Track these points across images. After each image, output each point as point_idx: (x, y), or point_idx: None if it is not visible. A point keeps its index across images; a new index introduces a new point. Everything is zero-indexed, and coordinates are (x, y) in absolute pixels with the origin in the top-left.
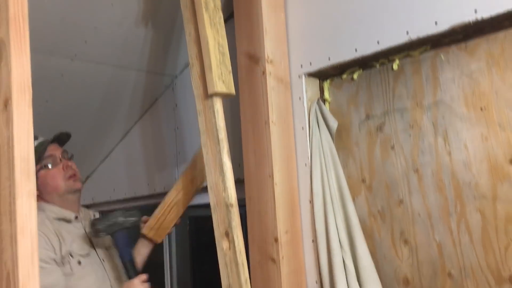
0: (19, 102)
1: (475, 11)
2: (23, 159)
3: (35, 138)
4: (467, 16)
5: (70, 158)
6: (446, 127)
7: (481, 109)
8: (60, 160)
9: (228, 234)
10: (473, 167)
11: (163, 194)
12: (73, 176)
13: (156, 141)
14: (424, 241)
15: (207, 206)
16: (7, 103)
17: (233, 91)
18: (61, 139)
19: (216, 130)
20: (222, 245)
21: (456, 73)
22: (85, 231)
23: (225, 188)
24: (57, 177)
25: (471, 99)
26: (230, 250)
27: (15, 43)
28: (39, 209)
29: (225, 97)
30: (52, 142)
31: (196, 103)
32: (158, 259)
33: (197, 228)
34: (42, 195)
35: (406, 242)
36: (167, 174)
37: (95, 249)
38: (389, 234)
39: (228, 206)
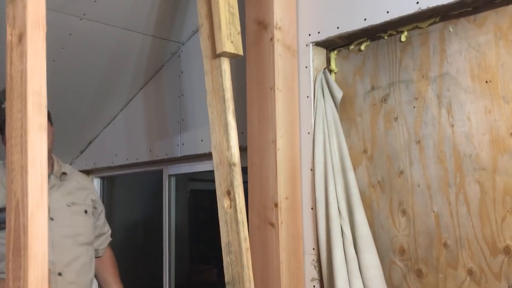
0: (33, 37)
1: None
2: (36, 93)
3: None
4: None
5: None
6: (451, 99)
7: (486, 82)
8: None
9: (229, 193)
10: (474, 139)
11: (164, 161)
12: None
13: (160, 108)
14: (422, 211)
15: (207, 180)
16: (21, 37)
17: (241, 52)
18: None
19: (222, 90)
20: (223, 203)
21: (463, 45)
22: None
23: (228, 147)
24: None
25: (477, 72)
26: (231, 209)
27: None
28: (3, 165)
29: (232, 57)
30: None
31: (203, 63)
32: (157, 233)
33: (197, 201)
34: None
35: (404, 212)
36: (169, 141)
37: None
38: (388, 205)
39: (231, 165)
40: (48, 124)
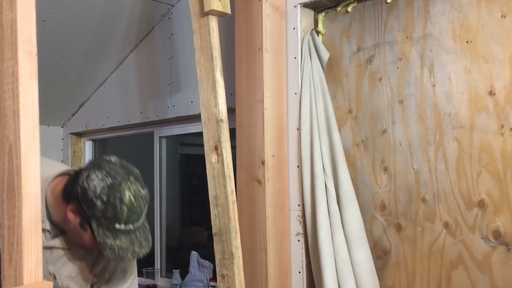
0: None
1: None
2: (26, 41)
3: (130, 221)
4: None
5: None
6: (433, 59)
7: (467, 42)
8: None
9: (217, 148)
10: (454, 98)
11: (155, 123)
12: None
13: (151, 70)
14: (402, 168)
15: (198, 145)
16: None
17: (228, 10)
18: None
19: (211, 48)
20: (211, 158)
21: (446, 6)
22: None
23: (216, 104)
24: (86, 244)
25: (459, 32)
26: (219, 163)
27: None
28: None
29: (220, 15)
30: None
31: (192, 21)
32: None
33: (189, 166)
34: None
35: (385, 169)
36: (160, 103)
37: None
38: (371, 162)
39: (218, 121)
40: None
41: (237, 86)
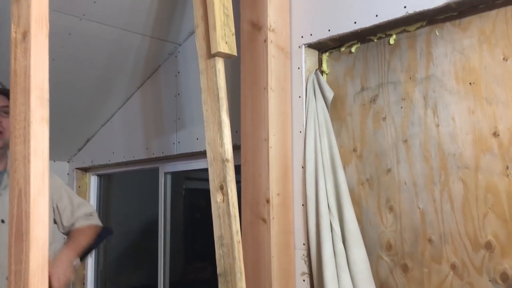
0: (36, 34)
1: None
2: (38, 87)
3: None
4: None
5: (8, 116)
6: (436, 100)
7: (470, 83)
8: None
9: (222, 188)
10: (458, 139)
11: (160, 159)
12: None
13: (157, 107)
14: (408, 208)
15: (203, 179)
16: (25, 35)
17: (235, 52)
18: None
19: (217, 88)
20: (216, 198)
21: (448, 48)
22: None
23: (222, 144)
24: None
25: (461, 74)
26: (224, 203)
27: None
28: None
29: (227, 57)
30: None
31: (199, 62)
32: (152, 230)
33: (193, 200)
34: None
35: (391, 209)
36: (165, 139)
37: None
38: (376, 201)
39: (224, 161)
40: (6, 119)
41: (242, 124)
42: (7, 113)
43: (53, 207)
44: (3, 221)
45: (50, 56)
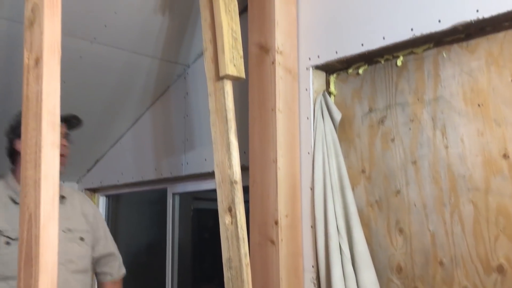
0: (49, 61)
1: (477, 11)
2: (50, 113)
3: None
4: (469, 15)
5: (69, 143)
6: (445, 121)
7: (479, 105)
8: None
9: (231, 210)
10: (468, 161)
11: (169, 179)
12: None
13: (166, 128)
14: (418, 230)
15: (211, 199)
16: (38, 61)
17: (243, 75)
18: (71, 122)
19: (225, 110)
20: (224, 219)
21: (456, 70)
22: None
23: (230, 166)
24: None
25: (470, 96)
26: (232, 225)
27: (48, 7)
28: (3, 182)
29: (235, 80)
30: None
31: (207, 85)
32: (160, 250)
33: (201, 220)
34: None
35: (401, 231)
36: (174, 160)
37: None
38: (385, 223)
39: (232, 182)
40: (66, 146)
41: (250, 146)
42: (68, 139)
43: (91, 226)
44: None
45: (61, 79)
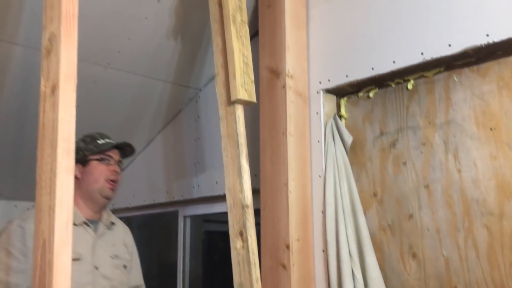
0: (65, 89)
1: (487, 35)
2: (65, 140)
3: (105, 137)
4: (479, 39)
5: (121, 170)
6: (457, 145)
7: (491, 129)
8: (114, 164)
9: (242, 234)
10: (481, 185)
11: (180, 202)
12: (113, 182)
13: (177, 151)
14: (432, 255)
15: (222, 221)
16: (54, 89)
17: (254, 99)
18: (125, 150)
19: (237, 135)
20: (236, 244)
21: (467, 94)
22: (93, 236)
23: (242, 190)
24: (102, 173)
25: (482, 119)
26: (244, 249)
27: (65, 37)
28: None
29: (246, 104)
30: (116, 147)
31: (219, 109)
32: (171, 273)
33: (212, 242)
34: (81, 183)
35: (414, 256)
36: (185, 183)
37: (93, 255)
38: (398, 248)
39: (244, 207)
40: (120, 173)
41: (261, 169)
42: (121, 166)
43: (129, 264)
44: (96, 268)
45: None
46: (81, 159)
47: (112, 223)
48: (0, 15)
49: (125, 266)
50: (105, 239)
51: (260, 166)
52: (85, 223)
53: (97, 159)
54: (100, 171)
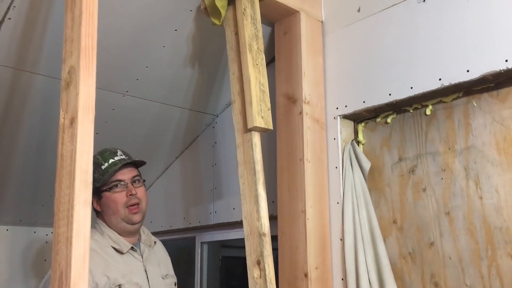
0: (83, 121)
1: (506, 60)
2: (83, 171)
3: (115, 153)
4: (498, 65)
5: (141, 185)
6: (478, 171)
7: None
8: (127, 185)
9: (259, 263)
10: (504, 212)
11: (197, 228)
12: (134, 206)
13: (194, 176)
14: (454, 285)
15: (239, 247)
16: (73, 121)
17: (270, 126)
18: (136, 162)
19: (253, 162)
20: (253, 273)
21: (487, 119)
22: (141, 260)
23: (259, 218)
24: (118, 202)
25: (503, 145)
26: (261, 279)
27: (84, 70)
28: (98, 232)
29: (263, 131)
30: (128, 164)
31: (236, 136)
32: None
33: (229, 268)
34: (104, 216)
35: (436, 285)
36: (202, 209)
37: (148, 279)
38: (420, 277)
39: (261, 235)
40: (140, 189)
41: (279, 196)
42: (136, 182)
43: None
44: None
45: (94, 131)
46: (94, 191)
47: (155, 243)
48: (22, 45)
49: (175, 284)
50: (151, 260)
51: (277, 193)
52: (132, 248)
53: (107, 190)
54: (114, 200)
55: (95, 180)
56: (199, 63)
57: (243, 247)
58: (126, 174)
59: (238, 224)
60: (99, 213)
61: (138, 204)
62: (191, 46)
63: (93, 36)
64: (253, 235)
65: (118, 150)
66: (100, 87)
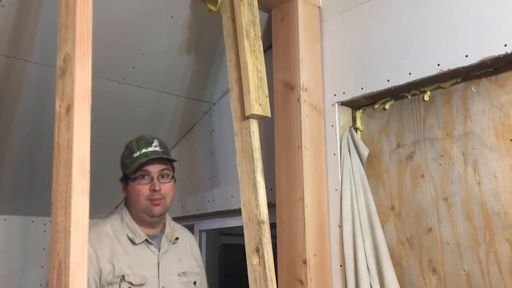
0: (79, 109)
1: (505, 45)
2: (80, 160)
3: (151, 143)
4: (497, 49)
5: (169, 180)
6: (476, 157)
7: (511, 140)
8: (153, 179)
9: (258, 250)
10: (502, 197)
11: (195, 216)
12: (156, 200)
13: (192, 165)
14: (452, 270)
15: (238, 234)
16: (69, 109)
17: (268, 113)
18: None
19: (251, 149)
20: (252, 260)
21: (486, 104)
22: (157, 254)
23: (257, 206)
24: (141, 194)
25: (501, 130)
26: (260, 266)
27: (79, 57)
28: (119, 218)
29: (261, 119)
30: (158, 159)
31: (233, 124)
32: None
33: (228, 255)
34: (128, 202)
35: (434, 270)
36: (201, 197)
37: (158, 275)
38: (418, 262)
39: (260, 223)
40: (165, 185)
41: (277, 183)
42: (163, 176)
43: (200, 278)
44: (141, 284)
45: (90, 119)
46: (123, 177)
47: (176, 238)
48: (15, 33)
49: (195, 283)
50: (169, 255)
51: (276, 181)
52: (147, 240)
53: (133, 179)
54: (138, 191)
55: (125, 166)
56: (195, 50)
57: (242, 235)
58: (154, 167)
59: (237, 212)
60: (126, 199)
61: (160, 199)
62: (187, 33)
63: (88, 23)
64: (251, 222)
65: (154, 140)
66: (96, 75)
